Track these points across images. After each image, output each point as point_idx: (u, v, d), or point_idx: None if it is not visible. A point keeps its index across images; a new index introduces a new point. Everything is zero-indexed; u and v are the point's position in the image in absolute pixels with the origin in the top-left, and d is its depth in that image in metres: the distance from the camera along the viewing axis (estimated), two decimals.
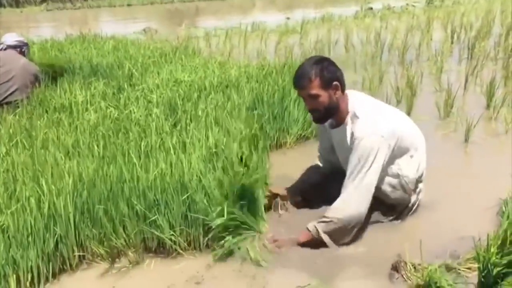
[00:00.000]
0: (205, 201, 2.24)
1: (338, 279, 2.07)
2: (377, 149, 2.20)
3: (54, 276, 2.15)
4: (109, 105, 3.35)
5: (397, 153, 2.31)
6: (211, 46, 8.79)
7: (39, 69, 4.37)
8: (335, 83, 2.26)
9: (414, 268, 2.02)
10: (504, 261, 1.58)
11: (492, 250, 1.62)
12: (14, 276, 2.02)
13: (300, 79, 2.27)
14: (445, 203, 2.65)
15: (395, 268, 2.07)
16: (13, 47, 4.24)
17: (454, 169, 3.11)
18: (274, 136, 3.58)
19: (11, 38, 4.32)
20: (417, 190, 2.48)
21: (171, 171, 2.31)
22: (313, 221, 2.29)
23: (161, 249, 2.30)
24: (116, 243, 2.21)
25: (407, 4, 15.88)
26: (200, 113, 3.08)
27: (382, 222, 2.46)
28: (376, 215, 2.44)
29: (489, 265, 1.61)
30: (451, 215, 2.52)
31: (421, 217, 2.54)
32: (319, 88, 2.25)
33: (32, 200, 2.15)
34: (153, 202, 2.25)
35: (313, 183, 2.66)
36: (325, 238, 2.25)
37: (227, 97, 3.45)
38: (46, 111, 3.31)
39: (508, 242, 1.62)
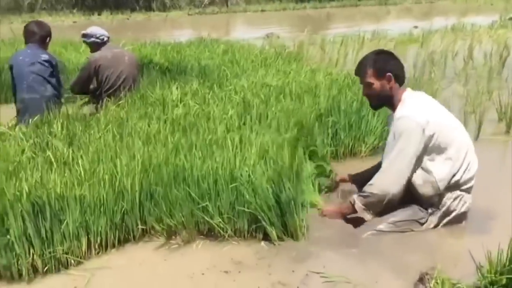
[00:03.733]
0: (252, 194, 2.44)
1: (365, 278, 2.15)
2: (409, 132, 2.35)
3: (119, 243, 2.52)
4: (196, 103, 3.72)
5: (433, 147, 2.39)
6: (325, 52, 8.91)
7: (138, 60, 4.59)
8: (388, 74, 2.51)
9: (442, 282, 2.00)
10: (503, 281, 1.52)
11: (489, 268, 1.57)
12: (86, 237, 2.42)
13: (357, 69, 2.62)
14: (498, 223, 2.55)
15: (421, 280, 2.07)
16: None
17: None
18: (349, 143, 3.65)
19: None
20: (454, 195, 2.46)
21: (224, 164, 2.55)
22: (355, 194, 2.52)
23: (211, 233, 2.55)
24: (172, 223, 2.52)
25: None
26: (269, 116, 3.29)
27: (420, 223, 2.49)
28: (410, 213, 2.50)
29: (487, 284, 1.56)
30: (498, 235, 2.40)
31: (464, 231, 2.50)
32: (372, 77, 2.53)
33: (107, 177, 2.54)
34: (205, 191, 2.51)
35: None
36: (358, 208, 2.47)
37: (302, 103, 3.60)
38: (144, 105, 3.79)
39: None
